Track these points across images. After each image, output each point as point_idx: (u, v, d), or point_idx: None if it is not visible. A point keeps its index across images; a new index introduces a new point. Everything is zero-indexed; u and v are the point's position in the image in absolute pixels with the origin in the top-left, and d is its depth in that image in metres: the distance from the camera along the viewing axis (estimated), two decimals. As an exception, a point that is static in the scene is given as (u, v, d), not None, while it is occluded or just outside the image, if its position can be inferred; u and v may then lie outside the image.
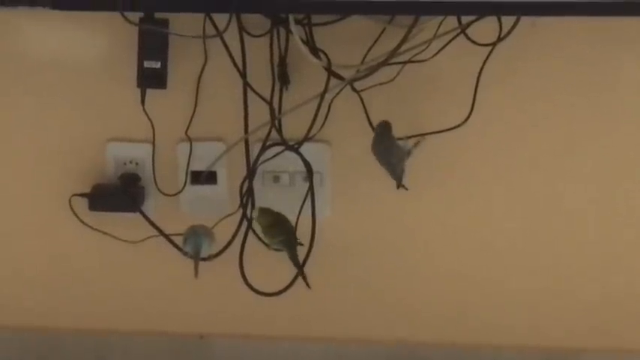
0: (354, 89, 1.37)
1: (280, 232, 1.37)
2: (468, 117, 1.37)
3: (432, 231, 1.49)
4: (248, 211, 1.42)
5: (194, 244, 1.36)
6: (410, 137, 1.37)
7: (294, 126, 1.39)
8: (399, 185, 1.34)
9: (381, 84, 1.36)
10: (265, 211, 1.38)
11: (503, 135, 1.43)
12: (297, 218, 1.42)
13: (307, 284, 1.37)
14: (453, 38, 1.32)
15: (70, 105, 1.44)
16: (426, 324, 1.53)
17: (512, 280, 1.50)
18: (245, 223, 1.43)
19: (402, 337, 1.54)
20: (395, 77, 1.36)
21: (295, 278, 1.42)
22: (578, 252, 1.48)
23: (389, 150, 1.33)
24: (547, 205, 1.46)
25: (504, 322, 1.52)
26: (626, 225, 1.46)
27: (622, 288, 1.50)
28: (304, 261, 1.41)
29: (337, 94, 1.37)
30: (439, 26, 1.31)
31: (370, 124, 1.38)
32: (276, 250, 1.38)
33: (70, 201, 1.46)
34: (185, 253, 1.38)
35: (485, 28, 1.30)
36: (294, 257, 1.37)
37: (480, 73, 1.35)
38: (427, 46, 1.32)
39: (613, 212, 1.46)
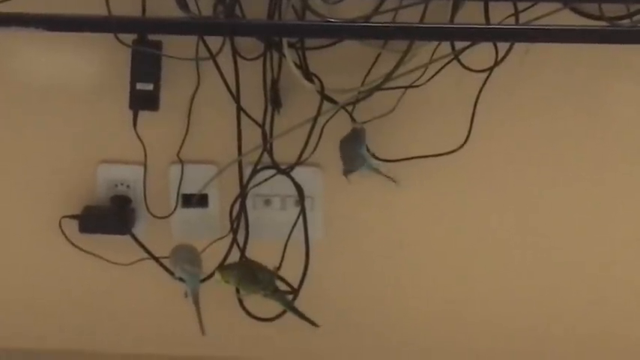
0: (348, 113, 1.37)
1: (254, 284, 1.35)
2: (465, 141, 1.37)
3: (427, 256, 1.48)
4: (239, 236, 1.42)
5: (191, 286, 1.36)
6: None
7: (285, 149, 1.39)
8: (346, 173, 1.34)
9: (380, 116, 1.36)
10: (227, 269, 1.37)
11: (500, 159, 1.42)
12: (287, 242, 1.42)
13: (313, 323, 1.38)
14: (447, 64, 1.32)
15: (62, 126, 1.44)
16: (422, 350, 1.52)
17: (515, 312, 1.50)
18: (236, 247, 1.43)
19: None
20: (394, 108, 1.36)
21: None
22: (579, 281, 1.47)
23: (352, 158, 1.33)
24: (545, 230, 1.45)
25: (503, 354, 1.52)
26: (625, 248, 1.45)
27: (622, 317, 1.49)
28: (299, 285, 1.42)
29: (330, 118, 1.36)
30: (434, 52, 1.31)
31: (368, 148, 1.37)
32: None
33: (60, 222, 1.45)
34: (177, 279, 1.38)
35: (482, 53, 1.30)
36: (287, 305, 1.38)
37: (477, 98, 1.35)
38: (423, 73, 1.32)
39: (612, 237, 1.45)
